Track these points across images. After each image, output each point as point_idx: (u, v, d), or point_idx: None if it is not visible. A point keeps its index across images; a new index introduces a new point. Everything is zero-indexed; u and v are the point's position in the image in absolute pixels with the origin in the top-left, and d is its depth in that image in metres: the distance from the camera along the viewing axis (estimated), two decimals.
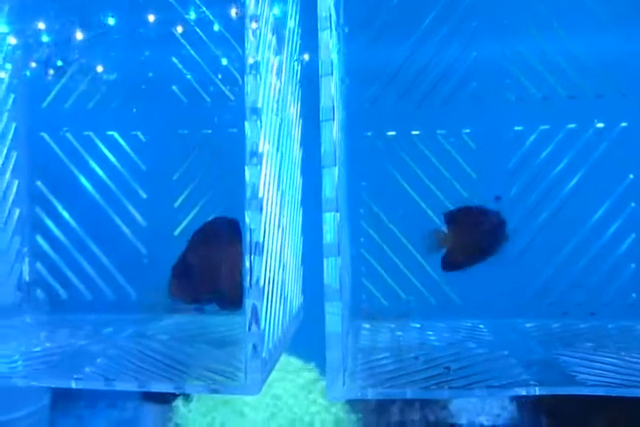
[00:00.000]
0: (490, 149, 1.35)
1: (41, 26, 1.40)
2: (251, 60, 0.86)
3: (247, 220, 0.86)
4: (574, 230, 1.34)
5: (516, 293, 1.33)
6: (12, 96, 1.37)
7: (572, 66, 1.34)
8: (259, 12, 0.87)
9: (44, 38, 1.41)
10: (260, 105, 0.88)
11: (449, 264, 1.29)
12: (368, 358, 1.03)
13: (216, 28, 1.41)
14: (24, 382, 0.91)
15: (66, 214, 1.42)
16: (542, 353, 1.07)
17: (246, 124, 0.87)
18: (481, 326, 1.28)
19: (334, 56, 0.87)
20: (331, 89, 0.84)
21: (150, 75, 1.42)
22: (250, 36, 0.87)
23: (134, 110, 1.41)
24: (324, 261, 0.85)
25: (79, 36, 1.41)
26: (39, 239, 1.42)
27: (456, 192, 1.36)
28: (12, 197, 1.36)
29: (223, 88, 1.41)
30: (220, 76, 1.41)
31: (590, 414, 1.31)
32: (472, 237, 1.28)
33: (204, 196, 1.42)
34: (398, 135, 1.38)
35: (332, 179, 0.84)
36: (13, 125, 1.37)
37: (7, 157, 1.35)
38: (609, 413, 1.31)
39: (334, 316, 0.84)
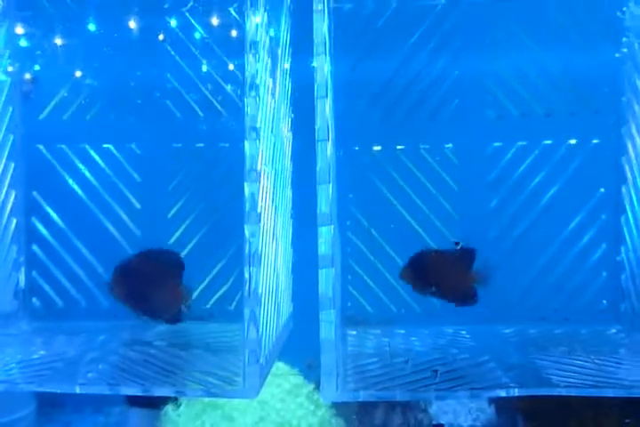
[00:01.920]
0: (471, 164, 1.43)
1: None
2: (251, 83, 0.91)
3: (246, 232, 0.91)
4: (550, 241, 1.41)
5: (495, 300, 1.40)
6: (11, 109, 1.40)
7: (548, 85, 1.42)
8: (258, 37, 0.93)
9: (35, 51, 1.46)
10: (258, 124, 0.93)
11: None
12: (357, 363, 1.09)
13: (203, 39, 1.46)
14: (30, 388, 0.95)
15: (61, 224, 1.46)
16: (520, 357, 1.13)
17: (246, 142, 0.92)
18: (463, 331, 1.34)
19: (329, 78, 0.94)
20: (326, 111, 0.90)
21: (143, 89, 1.46)
22: (250, 60, 0.93)
23: (129, 124, 1.46)
24: (319, 271, 0.91)
25: (73, 48, 1.46)
26: (35, 248, 1.46)
27: (438, 204, 1.43)
28: (9, 208, 1.40)
29: (215, 103, 1.46)
30: (211, 90, 1.47)
31: (564, 415, 1.38)
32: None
33: (196, 207, 1.46)
34: (384, 150, 1.45)
35: (326, 195, 0.90)
36: (11, 137, 1.40)
37: (5, 168, 1.38)
38: (581, 415, 1.38)
39: (328, 323, 0.90)
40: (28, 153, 1.44)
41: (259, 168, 0.92)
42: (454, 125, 1.42)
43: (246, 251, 0.91)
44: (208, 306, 1.46)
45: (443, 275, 1.27)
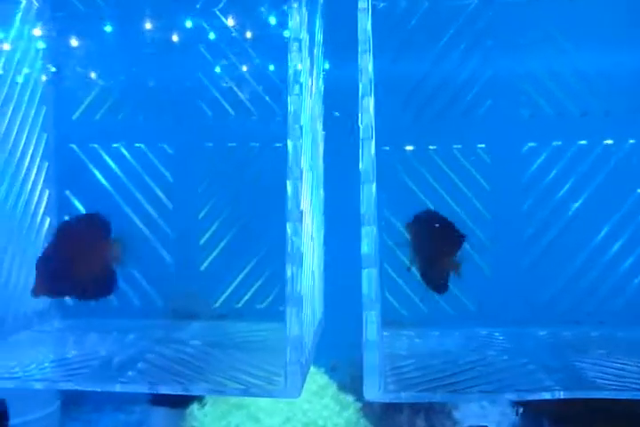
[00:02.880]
0: (504, 164, 1.41)
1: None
2: (294, 80, 0.91)
3: (289, 230, 0.91)
4: (585, 243, 1.40)
5: (529, 302, 1.39)
6: (44, 108, 1.41)
7: (582, 84, 1.40)
8: (301, 35, 0.93)
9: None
10: (301, 122, 0.93)
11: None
12: (395, 364, 1.08)
13: (234, 39, 1.46)
14: (68, 386, 0.95)
15: None
16: (558, 360, 1.12)
17: (289, 140, 0.91)
18: (496, 333, 1.33)
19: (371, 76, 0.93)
20: (370, 109, 0.90)
21: (175, 89, 1.46)
22: (293, 58, 0.93)
23: (161, 123, 1.46)
24: (363, 272, 0.90)
25: (106, 49, 1.46)
26: None
27: (471, 205, 1.42)
28: (43, 207, 1.40)
29: (247, 103, 1.46)
30: (242, 89, 1.47)
31: (593, 419, 1.36)
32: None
33: (227, 207, 1.46)
34: (416, 150, 1.44)
35: (370, 194, 0.89)
36: (45, 137, 1.41)
37: (39, 168, 1.39)
38: (612, 418, 1.35)
39: (372, 324, 0.89)
40: (62, 152, 1.45)
41: (301, 166, 0.91)
42: (487, 125, 1.41)
43: (288, 249, 0.90)
44: (239, 305, 1.46)
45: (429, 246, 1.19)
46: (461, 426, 1.47)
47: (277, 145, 1.44)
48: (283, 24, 1.41)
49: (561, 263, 1.40)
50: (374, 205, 0.90)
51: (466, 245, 1.31)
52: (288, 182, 0.90)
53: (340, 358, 1.50)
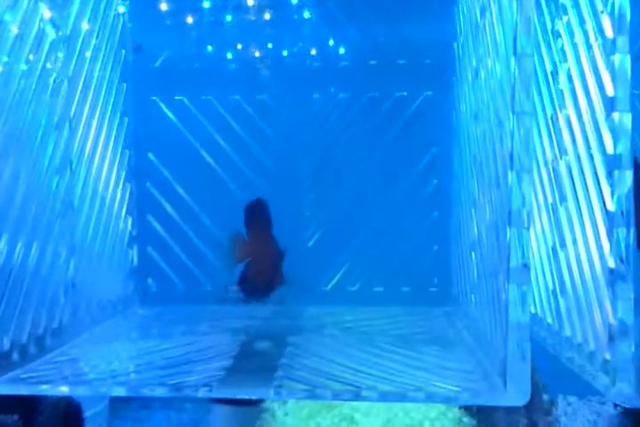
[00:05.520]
0: None
1: None
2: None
3: (514, 182, 0.67)
4: None
5: None
6: (124, 52, 1.16)
7: None
8: None
9: None
10: None
11: None
12: None
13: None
14: (211, 395, 0.72)
15: (180, 190, 1.23)
16: None
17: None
18: None
19: None
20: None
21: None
22: None
23: (258, 73, 1.22)
24: (615, 232, 0.66)
25: None
26: (151, 220, 1.23)
27: None
28: (124, 172, 1.16)
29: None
30: None
31: None
32: None
33: (331, 165, 1.21)
34: None
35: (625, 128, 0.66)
36: (124, 87, 1.16)
37: (120, 125, 1.14)
38: None
39: (627, 302, 0.66)
40: (142, 106, 1.21)
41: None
42: None
43: (513, 207, 0.67)
44: (354, 288, 1.23)
45: None
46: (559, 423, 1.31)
47: (401, 94, 1.20)
48: None
49: None
50: (629, 147, 0.66)
51: None
52: (512, 118, 0.66)
53: None
